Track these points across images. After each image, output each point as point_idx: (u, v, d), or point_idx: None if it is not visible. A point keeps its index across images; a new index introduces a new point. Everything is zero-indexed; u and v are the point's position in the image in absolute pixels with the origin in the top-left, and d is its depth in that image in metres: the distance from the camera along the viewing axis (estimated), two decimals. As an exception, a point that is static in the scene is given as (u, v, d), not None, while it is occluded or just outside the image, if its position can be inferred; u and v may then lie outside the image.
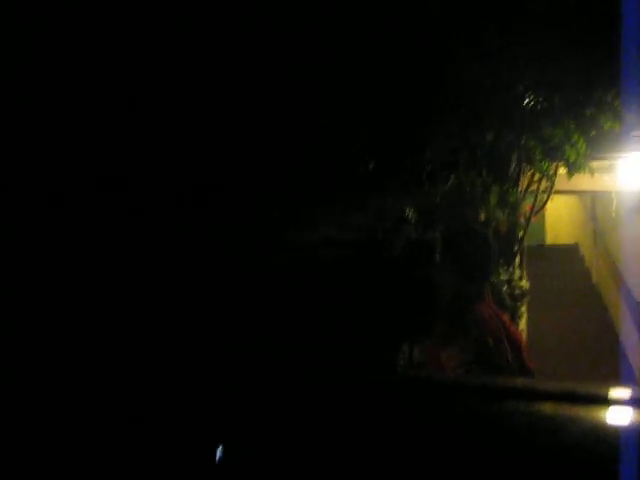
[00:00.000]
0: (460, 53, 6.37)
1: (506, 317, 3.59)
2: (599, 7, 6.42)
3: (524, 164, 7.12)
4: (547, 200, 7.52)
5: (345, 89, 6.41)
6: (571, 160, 6.76)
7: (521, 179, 7.27)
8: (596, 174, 7.25)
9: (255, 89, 6.34)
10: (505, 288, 6.97)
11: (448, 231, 5.96)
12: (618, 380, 7.43)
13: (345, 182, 6.69)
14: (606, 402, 1.63)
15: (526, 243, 7.73)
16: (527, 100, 6.71)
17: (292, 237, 6.63)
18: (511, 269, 7.16)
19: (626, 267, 10.27)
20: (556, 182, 7.25)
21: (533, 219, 7.70)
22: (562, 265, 11.83)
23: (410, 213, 6.74)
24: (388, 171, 6.80)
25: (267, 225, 6.57)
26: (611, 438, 1.51)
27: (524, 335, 7.28)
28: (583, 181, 7.66)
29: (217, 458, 1.66)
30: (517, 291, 7.16)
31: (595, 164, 7.20)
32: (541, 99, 6.71)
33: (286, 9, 6.18)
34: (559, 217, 13.75)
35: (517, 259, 7.40)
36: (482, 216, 6.87)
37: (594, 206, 12.04)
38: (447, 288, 3.40)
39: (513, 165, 7.12)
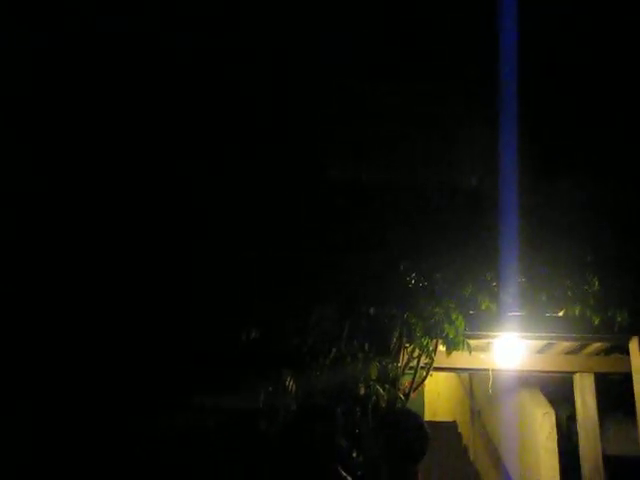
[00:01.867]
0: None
1: None
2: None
3: (405, 339, 7.17)
4: (426, 376, 7.52)
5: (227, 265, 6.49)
6: (450, 337, 6.88)
7: (401, 354, 7.29)
8: (474, 352, 7.38)
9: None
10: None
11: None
12: None
13: (226, 352, 6.60)
14: None
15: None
16: (409, 277, 6.88)
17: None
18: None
19: (503, 446, 10.31)
20: (435, 358, 7.31)
21: (412, 395, 7.67)
22: (440, 442, 11.75)
23: (290, 384, 6.61)
24: (270, 341, 6.73)
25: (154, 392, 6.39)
26: None
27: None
28: (461, 358, 7.76)
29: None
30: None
31: (473, 342, 7.34)
32: (422, 277, 6.89)
33: None
34: (437, 394, 13.84)
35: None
36: (362, 390, 6.80)
37: (472, 383, 12.20)
38: (383, 468, 3.31)
39: (394, 340, 7.16)
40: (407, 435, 3.37)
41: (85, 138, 6.57)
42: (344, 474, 3.84)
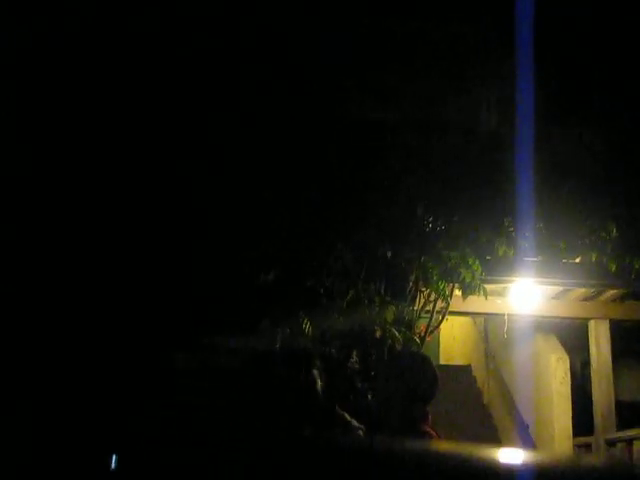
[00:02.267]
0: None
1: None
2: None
3: (421, 283, 7.21)
4: (442, 320, 7.59)
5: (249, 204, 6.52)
6: (466, 282, 6.91)
7: (418, 298, 7.34)
8: (490, 296, 7.41)
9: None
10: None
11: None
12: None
13: (245, 293, 6.67)
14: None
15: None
16: (426, 221, 6.88)
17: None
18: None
19: (517, 389, 10.40)
20: (451, 303, 7.36)
21: (428, 338, 7.74)
22: (454, 385, 11.86)
23: (307, 326, 6.68)
24: (288, 281, 6.79)
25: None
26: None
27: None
28: (477, 303, 7.80)
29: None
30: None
31: (489, 287, 7.37)
32: (439, 221, 6.89)
33: None
34: (453, 337, 13.91)
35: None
36: (378, 333, 6.87)
37: (487, 328, 12.25)
38: (394, 409, 3.38)
39: (410, 284, 7.20)
40: (416, 377, 3.42)
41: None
42: (347, 417, 3.95)
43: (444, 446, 2.13)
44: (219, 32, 7.03)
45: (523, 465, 1.74)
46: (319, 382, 3.98)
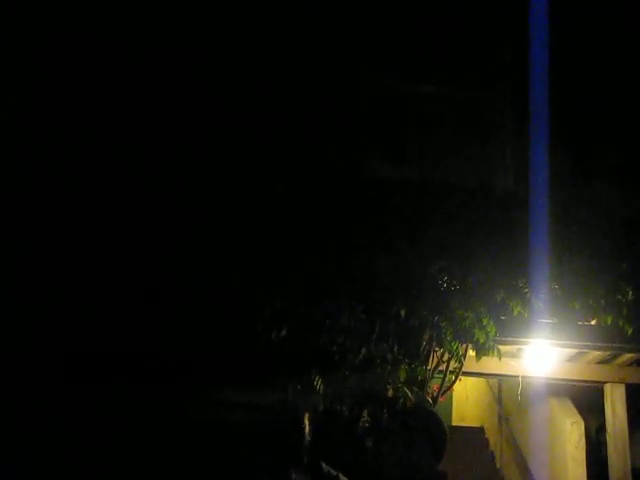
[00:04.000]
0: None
1: None
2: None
3: (434, 343, 7.16)
4: (455, 380, 7.51)
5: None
6: (480, 342, 6.85)
7: (431, 357, 7.28)
8: (503, 358, 7.34)
9: None
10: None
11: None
12: None
13: (257, 349, 6.66)
14: None
15: (432, 423, 7.63)
16: (441, 281, 6.87)
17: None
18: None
19: (530, 453, 10.23)
20: (465, 363, 7.29)
21: (440, 399, 7.65)
22: (467, 447, 11.69)
23: (318, 383, 6.62)
24: (300, 339, 6.77)
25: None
26: None
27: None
28: (491, 364, 7.72)
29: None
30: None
31: (503, 348, 7.30)
32: (454, 281, 6.87)
33: None
34: (466, 398, 13.76)
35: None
36: (390, 392, 6.81)
37: (500, 390, 12.11)
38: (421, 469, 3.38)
39: (424, 343, 7.16)
40: (428, 432, 3.41)
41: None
42: (332, 472, 3.92)
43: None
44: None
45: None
46: (307, 439, 3.99)
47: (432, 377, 7.32)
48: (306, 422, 4.05)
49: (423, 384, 7.02)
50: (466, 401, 13.85)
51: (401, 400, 6.80)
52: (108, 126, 6.81)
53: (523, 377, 8.76)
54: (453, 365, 7.33)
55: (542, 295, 7.04)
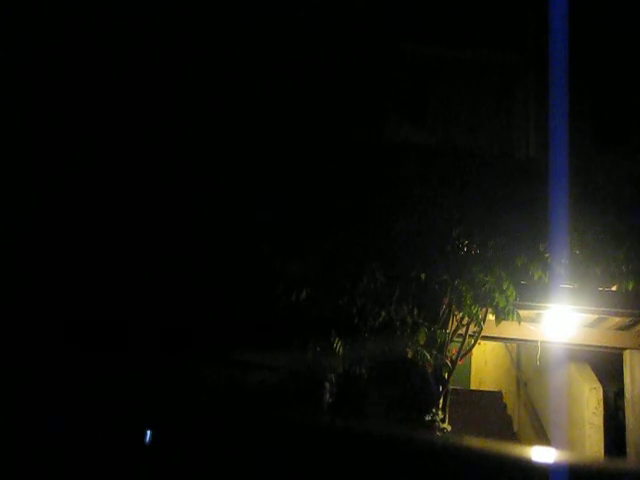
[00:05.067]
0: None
1: None
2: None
3: (454, 307, 7.17)
4: (474, 344, 7.53)
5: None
6: (500, 306, 6.85)
7: (450, 321, 7.30)
8: (523, 322, 7.34)
9: None
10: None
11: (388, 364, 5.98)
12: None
13: (277, 311, 6.71)
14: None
15: (451, 386, 7.68)
16: (461, 245, 6.86)
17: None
18: (434, 410, 7.08)
19: (548, 418, 10.27)
20: (484, 327, 7.30)
21: (459, 362, 7.69)
22: (484, 411, 11.76)
23: (338, 345, 6.67)
24: (320, 301, 6.81)
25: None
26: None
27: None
28: (510, 328, 7.73)
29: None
30: (438, 433, 7.06)
31: (523, 312, 7.30)
32: (475, 245, 6.86)
33: None
34: (484, 363, 13.80)
35: (441, 401, 7.32)
36: (409, 354, 6.85)
37: (519, 354, 12.14)
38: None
39: (444, 307, 7.17)
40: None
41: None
42: None
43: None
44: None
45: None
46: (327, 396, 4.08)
47: (451, 341, 7.35)
48: (326, 383, 4.11)
49: (442, 347, 7.05)
50: (485, 365, 13.89)
51: (420, 363, 6.87)
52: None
53: (542, 342, 8.77)
54: (472, 329, 7.35)
55: (563, 260, 7.01)
